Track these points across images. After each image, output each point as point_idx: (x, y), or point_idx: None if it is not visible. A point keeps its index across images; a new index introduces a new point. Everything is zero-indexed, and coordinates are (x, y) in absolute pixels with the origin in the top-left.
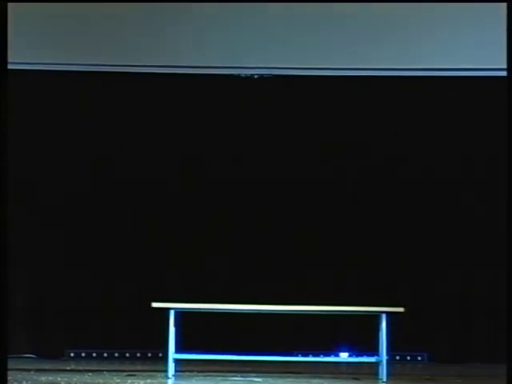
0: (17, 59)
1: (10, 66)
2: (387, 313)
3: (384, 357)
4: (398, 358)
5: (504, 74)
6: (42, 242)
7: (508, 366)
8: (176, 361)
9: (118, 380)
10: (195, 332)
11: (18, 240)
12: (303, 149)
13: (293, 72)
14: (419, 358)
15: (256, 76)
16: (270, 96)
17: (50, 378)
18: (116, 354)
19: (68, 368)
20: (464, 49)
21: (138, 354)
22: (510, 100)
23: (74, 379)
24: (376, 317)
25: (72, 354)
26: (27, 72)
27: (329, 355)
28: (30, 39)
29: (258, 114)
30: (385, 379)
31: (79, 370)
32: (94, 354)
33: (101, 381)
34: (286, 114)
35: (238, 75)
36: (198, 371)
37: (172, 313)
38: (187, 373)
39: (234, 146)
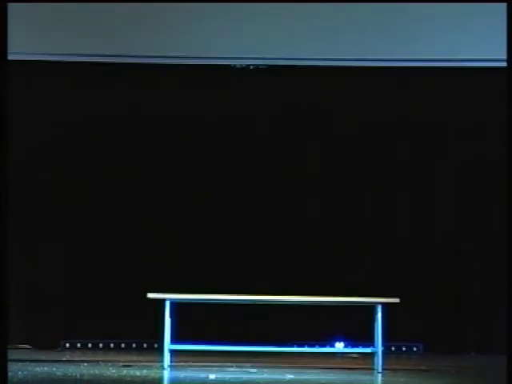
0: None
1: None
2: (383, 303)
3: (379, 347)
4: (393, 348)
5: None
6: (38, 233)
7: (508, 362)
8: (172, 351)
9: (114, 371)
10: (191, 323)
11: (14, 230)
12: (300, 138)
13: (288, 62)
14: (414, 349)
15: (251, 66)
16: (265, 86)
17: (46, 368)
18: (111, 345)
19: (63, 359)
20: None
21: (134, 345)
22: (510, 100)
23: (70, 370)
24: (371, 307)
25: (67, 345)
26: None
27: (324, 346)
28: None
29: (253, 104)
30: (380, 370)
31: (74, 361)
32: (90, 345)
33: (96, 371)
34: (281, 103)
35: (234, 65)
36: (194, 362)
37: (168, 303)
38: (183, 363)
39: (229, 135)
